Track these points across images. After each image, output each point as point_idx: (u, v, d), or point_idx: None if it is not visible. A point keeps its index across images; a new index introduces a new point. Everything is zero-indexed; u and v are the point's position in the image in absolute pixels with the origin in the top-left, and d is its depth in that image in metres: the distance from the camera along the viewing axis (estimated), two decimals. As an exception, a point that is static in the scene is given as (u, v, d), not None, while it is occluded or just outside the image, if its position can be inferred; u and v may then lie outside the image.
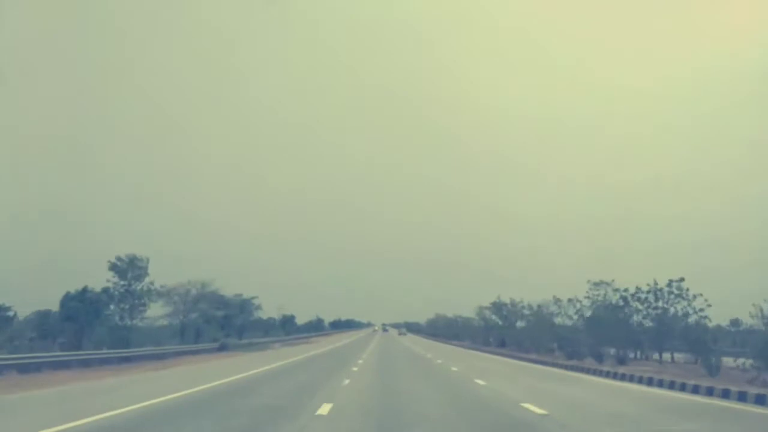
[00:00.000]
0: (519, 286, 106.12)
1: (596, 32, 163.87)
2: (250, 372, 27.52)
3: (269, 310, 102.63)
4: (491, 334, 61.16)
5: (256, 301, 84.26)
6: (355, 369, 28.37)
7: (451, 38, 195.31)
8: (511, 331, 54.74)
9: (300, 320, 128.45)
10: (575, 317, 35.18)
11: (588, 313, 34.79)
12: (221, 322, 68.41)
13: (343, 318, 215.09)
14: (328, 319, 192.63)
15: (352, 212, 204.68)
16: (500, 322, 57.54)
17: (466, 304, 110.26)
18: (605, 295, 32.56)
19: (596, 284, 32.99)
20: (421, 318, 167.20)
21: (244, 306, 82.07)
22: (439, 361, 35.88)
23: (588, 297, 34.57)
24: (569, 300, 36.19)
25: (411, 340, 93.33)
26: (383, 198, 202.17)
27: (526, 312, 48.89)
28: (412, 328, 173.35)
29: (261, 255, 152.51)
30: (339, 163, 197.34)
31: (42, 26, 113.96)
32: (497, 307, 57.49)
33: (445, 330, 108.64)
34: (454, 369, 28.69)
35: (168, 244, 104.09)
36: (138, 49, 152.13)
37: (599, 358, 29.34)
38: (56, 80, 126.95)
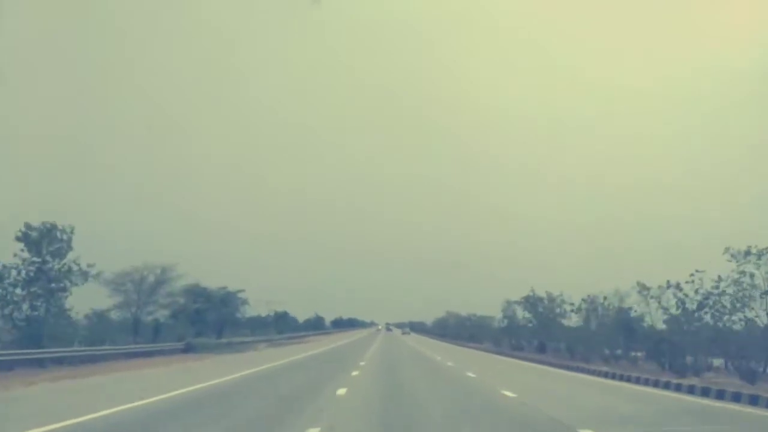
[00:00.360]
0: (519, 286, 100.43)
1: (596, 32, 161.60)
2: (188, 388, 16.97)
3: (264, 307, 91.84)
4: (521, 335, 49.67)
5: (242, 295, 73.09)
6: (340, 393, 16.88)
7: (451, 38, 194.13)
8: (552, 332, 43.27)
9: (302, 319, 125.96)
10: (676, 312, 23.49)
11: (692, 305, 23.11)
12: (193, 318, 57.10)
13: (345, 317, 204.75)
14: (330, 317, 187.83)
15: (353, 212, 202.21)
16: (534, 321, 46.04)
17: (468, 304, 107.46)
18: (744, 271, 20.63)
19: (739, 255, 20.86)
20: (426, 317, 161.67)
21: (226, 300, 70.82)
22: (472, 375, 24.40)
23: (691, 280, 23.04)
24: (668, 286, 24.36)
25: (419, 341, 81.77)
26: (383, 198, 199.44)
27: (579, 307, 37.35)
28: (416, 327, 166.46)
29: (261, 255, 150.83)
30: (339, 163, 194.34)
31: (42, 26, 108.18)
32: (531, 302, 45.93)
33: (457, 330, 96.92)
34: (509, 394, 17.11)
35: (168, 244, 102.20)
36: (138, 49, 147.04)
37: (749, 376, 17.79)
38: (56, 80, 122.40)
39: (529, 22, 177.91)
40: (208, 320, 59.43)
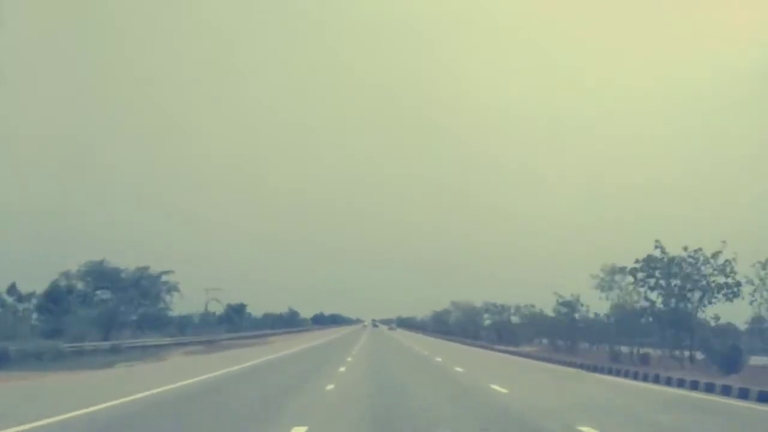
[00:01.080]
0: (519, 287, 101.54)
1: (596, 32, 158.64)
2: None
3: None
4: (631, 329, 26.95)
5: (170, 278, 50.39)
6: None
7: (451, 38, 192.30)
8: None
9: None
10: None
11: None
12: (48, 308, 34.15)
13: (328, 313, 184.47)
14: (326, 314, 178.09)
15: (352, 212, 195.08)
16: (659, 304, 23.68)
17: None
18: None
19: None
20: (417, 313, 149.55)
21: (140, 285, 48.17)
22: None
23: None
24: None
25: (423, 344, 58.60)
26: (383, 198, 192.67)
27: None
28: (406, 323, 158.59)
29: (261, 255, 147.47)
30: (339, 163, 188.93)
31: (42, 26, 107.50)
32: (663, 266, 23.46)
33: (465, 327, 74.44)
34: None
35: (168, 243, 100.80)
36: (138, 49, 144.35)
37: None
38: (56, 80, 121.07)
39: (529, 22, 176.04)
40: (73, 311, 36.50)
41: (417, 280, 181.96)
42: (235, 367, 25.53)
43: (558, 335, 38.57)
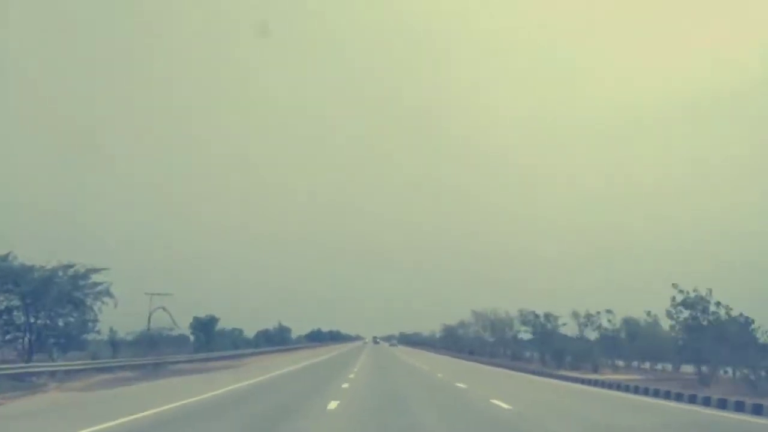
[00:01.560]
0: (518, 291, 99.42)
1: (596, 33, 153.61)
2: None
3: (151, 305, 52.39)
4: None
5: (99, 278, 35.70)
6: None
7: (451, 38, 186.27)
8: None
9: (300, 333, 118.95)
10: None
11: None
12: None
13: (325, 329, 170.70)
14: (309, 329, 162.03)
15: (352, 213, 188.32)
16: None
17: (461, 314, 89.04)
18: None
19: None
20: (423, 328, 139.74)
21: (51, 285, 33.66)
22: None
23: None
24: None
25: (447, 369, 43.61)
26: (383, 198, 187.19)
27: None
28: (410, 340, 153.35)
29: (261, 256, 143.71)
30: (338, 164, 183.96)
31: (42, 26, 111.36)
32: None
33: (484, 345, 59.85)
34: None
35: (168, 244, 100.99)
36: (138, 48, 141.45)
37: None
38: (56, 80, 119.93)
39: (530, 22, 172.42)
40: None
41: (420, 292, 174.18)
42: (148, 412, 12.03)
43: (683, 355, 24.21)
